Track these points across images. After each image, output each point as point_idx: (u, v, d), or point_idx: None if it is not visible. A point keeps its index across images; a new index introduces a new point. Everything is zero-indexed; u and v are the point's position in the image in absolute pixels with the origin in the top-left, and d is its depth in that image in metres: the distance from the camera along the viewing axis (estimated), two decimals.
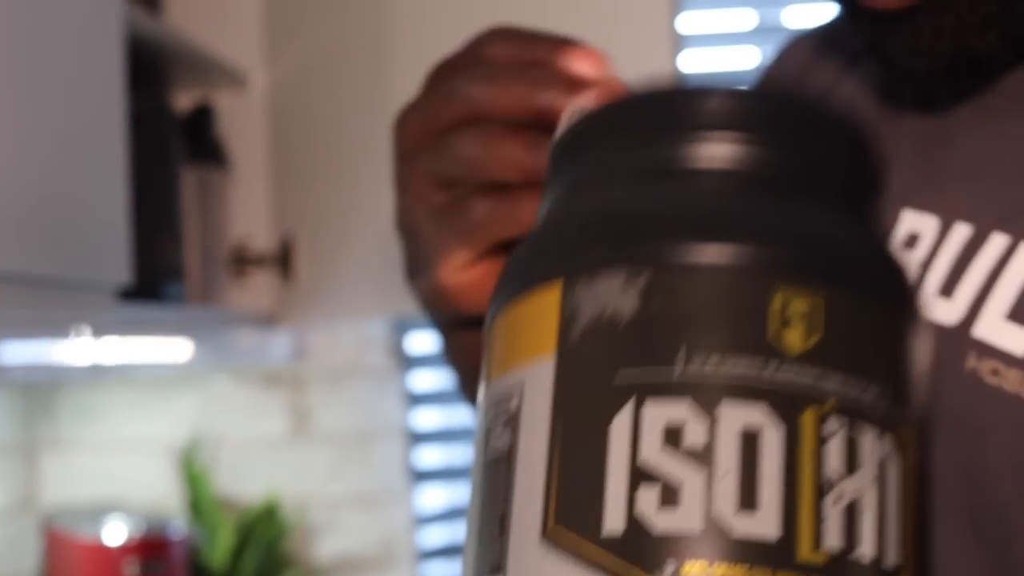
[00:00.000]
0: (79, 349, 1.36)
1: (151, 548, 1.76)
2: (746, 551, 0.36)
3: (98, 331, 1.32)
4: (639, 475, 0.36)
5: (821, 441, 0.37)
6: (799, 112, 0.42)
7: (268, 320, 1.82)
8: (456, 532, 2.07)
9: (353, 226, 1.76)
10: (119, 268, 1.25)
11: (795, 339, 0.37)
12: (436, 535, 2.06)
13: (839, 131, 0.42)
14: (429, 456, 2.08)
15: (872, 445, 0.37)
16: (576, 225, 0.40)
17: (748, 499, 0.36)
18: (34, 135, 1.10)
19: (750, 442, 0.36)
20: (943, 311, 0.57)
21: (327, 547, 2.02)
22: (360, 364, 2.02)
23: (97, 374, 2.03)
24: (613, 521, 0.36)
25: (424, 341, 2.06)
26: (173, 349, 1.65)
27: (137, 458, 2.04)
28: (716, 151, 0.40)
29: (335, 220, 1.78)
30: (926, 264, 0.58)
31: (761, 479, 0.36)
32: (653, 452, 0.36)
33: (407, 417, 2.04)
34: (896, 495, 0.38)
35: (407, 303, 1.76)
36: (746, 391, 0.37)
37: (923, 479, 0.39)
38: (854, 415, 0.37)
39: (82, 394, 2.05)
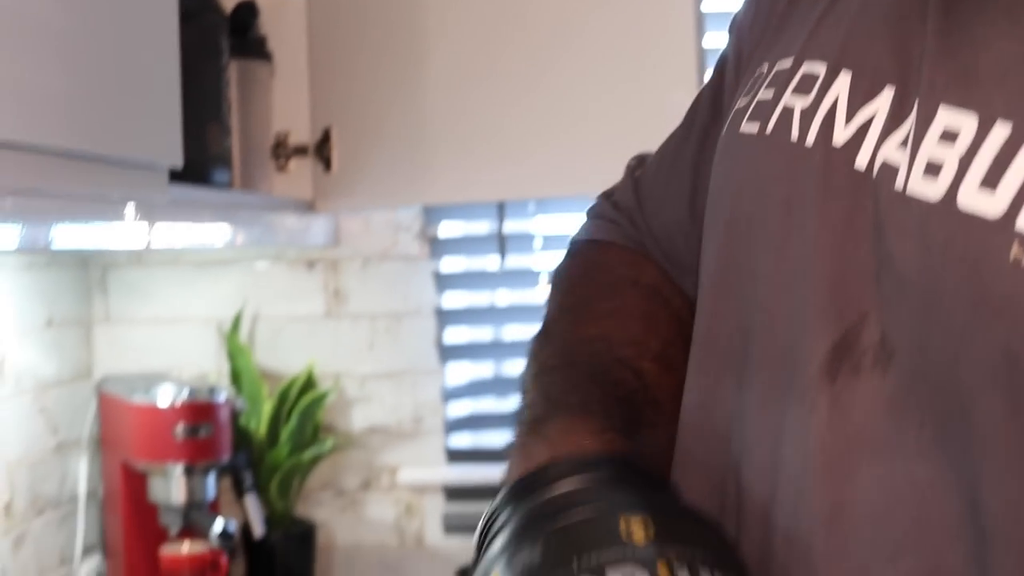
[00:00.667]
0: (131, 229, 1.42)
1: (198, 412, 1.88)
2: None
3: (150, 212, 1.42)
4: None
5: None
6: None
7: (307, 206, 1.93)
8: (479, 405, 2.20)
9: (388, 118, 1.87)
10: (172, 151, 1.36)
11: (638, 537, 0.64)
12: (462, 407, 2.18)
13: None
14: (456, 334, 2.20)
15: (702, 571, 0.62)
16: None
17: None
18: (94, 24, 1.20)
19: None
20: (986, 204, 0.58)
21: (360, 418, 2.14)
22: (393, 248, 2.14)
23: (147, 253, 2.17)
24: None
25: (452, 226, 2.18)
26: (218, 231, 1.74)
27: (184, 333, 2.17)
28: None
29: (371, 112, 1.88)
30: (966, 159, 0.60)
31: None
32: None
33: (437, 298, 2.16)
34: None
35: (437, 193, 1.88)
36: (618, 563, 0.62)
37: None
38: (689, 561, 0.62)
39: (133, 273, 2.17)
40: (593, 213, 0.96)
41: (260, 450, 2.05)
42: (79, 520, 2.01)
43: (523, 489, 0.72)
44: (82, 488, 2.02)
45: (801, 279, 0.69)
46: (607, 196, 0.95)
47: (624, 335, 0.84)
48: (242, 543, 2.03)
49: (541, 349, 0.86)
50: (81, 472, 2.02)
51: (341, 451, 2.13)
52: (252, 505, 1.97)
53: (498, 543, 0.69)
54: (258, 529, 1.97)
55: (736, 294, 0.75)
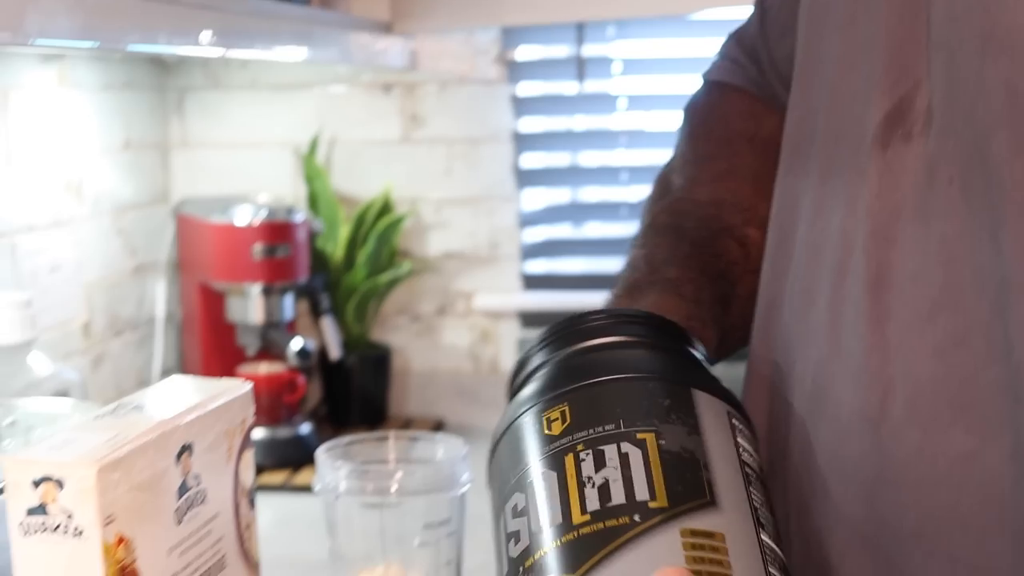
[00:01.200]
0: (209, 48, 1.42)
1: (276, 231, 1.87)
2: (546, 537, 0.64)
3: (227, 31, 1.41)
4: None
5: (578, 465, 0.66)
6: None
7: (384, 28, 1.90)
8: (555, 231, 2.18)
9: None
10: None
11: (556, 428, 0.69)
12: (538, 233, 2.17)
13: None
14: (533, 159, 2.18)
15: (612, 451, 0.66)
16: None
17: (544, 516, 0.65)
18: None
19: (542, 489, 0.67)
20: None
21: (437, 243, 2.14)
22: (470, 72, 2.10)
23: (224, 76, 2.15)
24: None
25: (530, 50, 2.14)
26: (295, 48, 1.72)
27: (260, 157, 2.16)
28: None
29: None
30: None
31: (548, 502, 0.66)
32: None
33: (514, 122, 2.13)
34: (641, 465, 0.65)
35: (516, 14, 1.84)
36: (535, 469, 0.68)
37: (666, 452, 0.66)
38: (593, 444, 0.67)
39: (210, 96, 2.16)
40: (720, 53, 0.97)
41: (337, 273, 2.05)
42: (157, 341, 2.03)
43: (555, 335, 0.76)
44: (160, 310, 2.04)
45: (865, 55, 0.70)
46: (733, 34, 0.97)
47: (734, 200, 0.89)
48: (318, 366, 2.05)
49: (659, 199, 0.92)
50: (159, 294, 2.04)
51: (417, 276, 2.12)
52: (329, 327, 1.98)
53: (524, 391, 0.74)
54: (334, 351, 1.98)
55: (810, 83, 0.77)
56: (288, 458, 1.84)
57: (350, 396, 2.03)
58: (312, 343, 1.92)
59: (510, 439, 0.72)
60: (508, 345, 2.14)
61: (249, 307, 1.90)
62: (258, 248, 1.87)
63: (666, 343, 0.76)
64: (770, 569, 0.64)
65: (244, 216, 1.88)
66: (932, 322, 0.64)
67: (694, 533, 0.63)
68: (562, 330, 0.76)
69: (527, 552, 0.66)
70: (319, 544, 0.99)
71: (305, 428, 1.91)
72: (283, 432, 1.88)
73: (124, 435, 0.72)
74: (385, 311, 2.14)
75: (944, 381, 0.63)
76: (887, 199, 0.67)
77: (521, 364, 0.78)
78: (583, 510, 0.64)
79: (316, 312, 2.00)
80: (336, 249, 2.05)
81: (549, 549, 0.64)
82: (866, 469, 0.67)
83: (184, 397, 0.80)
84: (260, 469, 1.83)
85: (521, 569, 0.66)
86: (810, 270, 0.73)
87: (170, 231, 2.05)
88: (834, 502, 0.69)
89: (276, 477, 1.82)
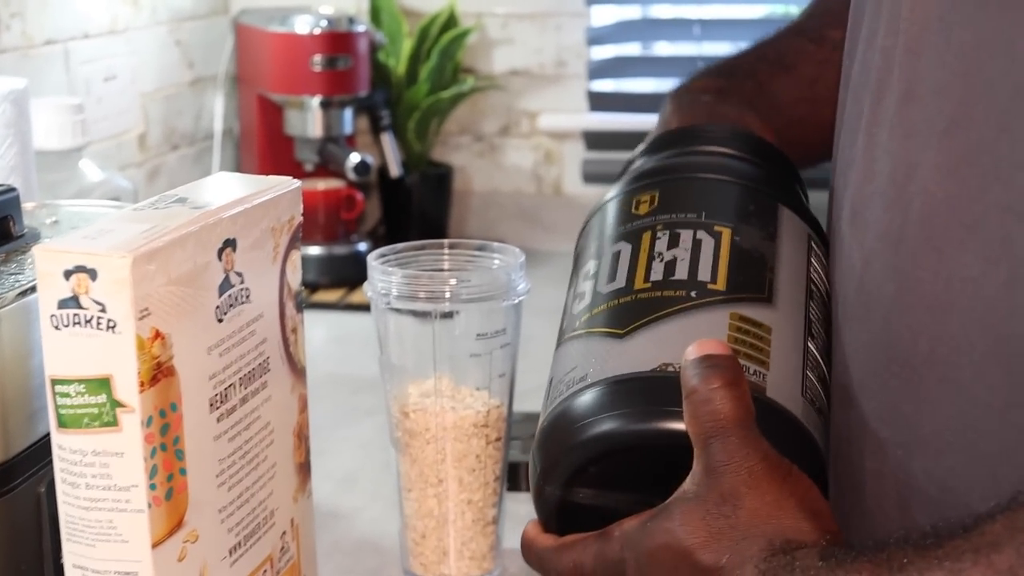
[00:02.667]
0: None
1: (336, 42, 1.82)
2: (607, 297, 0.70)
3: None
4: None
5: (653, 242, 0.71)
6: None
7: None
8: (624, 49, 2.10)
9: None
10: None
11: (643, 208, 0.74)
12: (607, 51, 2.08)
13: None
14: None
15: (687, 236, 0.70)
16: None
17: (610, 278, 0.71)
18: None
19: (616, 257, 0.72)
20: None
21: (501, 59, 2.07)
22: None
23: None
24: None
25: None
26: None
27: None
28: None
29: None
30: None
31: (617, 269, 0.71)
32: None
33: None
34: (710, 253, 0.69)
35: None
36: (614, 240, 0.73)
37: (738, 247, 0.70)
38: (672, 227, 0.71)
39: None
40: None
41: (399, 89, 1.99)
42: (215, 155, 2.00)
43: (661, 140, 0.81)
44: (218, 124, 2.00)
45: None
46: None
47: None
48: (378, 183, 2.01)
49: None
50: (217, 108, 1.99)
51: (481, 93, 2.06)
52: (389, 144, 1.94)
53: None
54: (395, 169, 1.94)
55: None
56: (345, 276, 1.81)
57: (409, 216, 1.99)
58: (371, 158, 1.87)
59: (601, 216, 0.76)
60: (572, 166, 2.08)
61: (308, 120, 1.86)
62: (318, 59, 1.82)
63: (766, 162, 0.79)
64: (807, 372, 0.67)
65: (304, 26, 1.83)
66: (948, 138, 0.63)
67: (743, 319, 0.67)
68: (670, 136, 0.81)
69: (586, 308, 0.70)
70: (372, 362, 0.96)
71: (363, 246, 1.87)
72: (340, 249, 1.85)
73: (163, 226, 0.68)
74: (447, 129, 2.09)
75: (956, 199, 0.63)
76: (918, 11, 0.66)
77: (627, 164, 0.82)
78: (646, 278, 0.69)
79: (376, 128, 1.95)
80: (398, 64, 1.99)
81: (606, 307, 0.69)
82: (887, 292, 0.67)
83: (230, 192, 0.76)
84: (316, 287, 1.81)
85: (578, 323, 0.70)
86: (857, 92, 0.73)
87: (229, 42, 2.00)
88: (860, 327, 0.70)
89: (332, 295, 1.79)
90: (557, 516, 0.68)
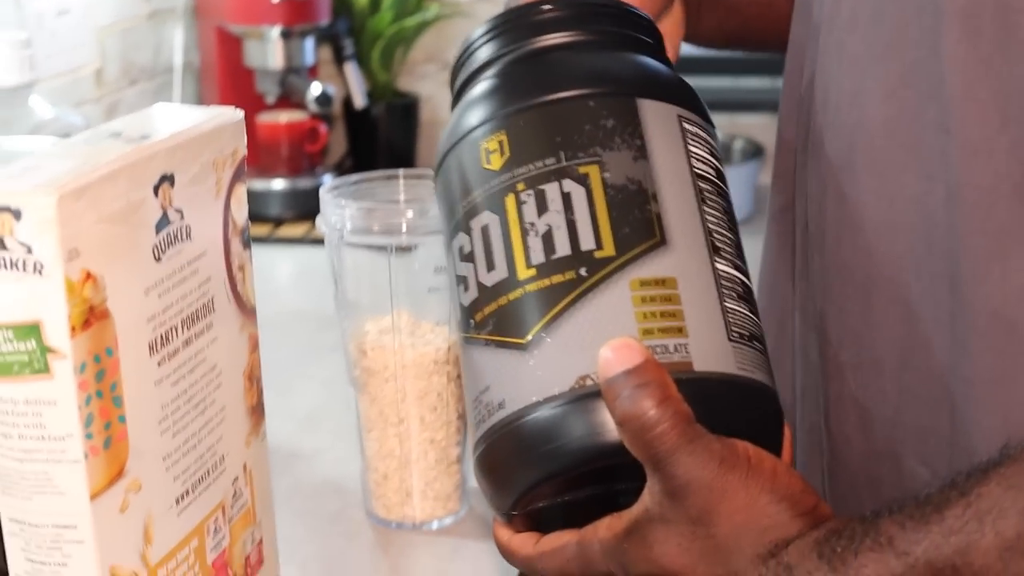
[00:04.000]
0: None
1: None
2: (494, 292, 0.62)
3: None
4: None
5: (520, 209, 0.62)
6: None
7: None
8: None
9: None
10: None
11: (495, 161, 0.65)
12: None
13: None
14: None
15: (554, 191, 0.62)
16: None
17: (490, 266, 0.63)
18: None
19: (486, 234, 0.64)
20: None
21: None
22: None
23: None
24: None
25: None
26: None
27: None
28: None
29: None
30: None
31: (493, 252, 0.63)
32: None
33: None
34: (584, 207, 0.62)
35: None
36: (477, 208, 0.65)
37: (612, 187, 0.62)
38: (534, 183, 0.63)
39: None
40: None
41: (361, 17, 1.95)
42: (175, 89, 1.95)
43: (495, 29, 0.70)
44: (177, 58, 1.95)
45: None
46: None
47: None
48: (343, 115, 1.97)
49: None
50: (176, 41, 1.94)
51: (446, 20, 2.02)
52: (353, 74, 1.89)
53: (463, 100, 0.70)
54: (359, 99, 1.90)
55: None
56: (310, 210, 1.77)
57: (376, 147, 1.96)
58: (334, 89, 1.83)
59: (451, 167, 0.68)
60: None
61: (268, 51, 1.81)
62: None
63: (608, 35, 0.69)
64: (726, 303, 0.62)
65: None
66: (885, 63, 0.65)
67: (643, 283, 0.60)
68: (503, 24, 0.70)
69: (475, 305, 0.64)
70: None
71: (327, 179, 1.84)
72: (304, 183, 1.82)
73: (93, 161, 0.64)
74: (413, 58, 2.04)
75: (895, 122, 0.64)
76: None
77: (461, 59, 0.72)
78: (528, 262, 0.62)
79: (339, 58, 1.91)
80: None
81: (496, 307, 0.63)
82: (838, 217, 0.68)
83: (168, 124, 0.72)
84: (280, 221, 1.78)
85: (472, 322, 0.64)
86: (817, 27, 0.72)
87: None
88: (819, 254, 0.71)
89: (297, 229, 1.76)
90: (522, 521, 0.65)
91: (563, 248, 0.61)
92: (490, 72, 0.69)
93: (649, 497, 0.59)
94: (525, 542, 0.66)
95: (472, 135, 0.66)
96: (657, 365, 0.58)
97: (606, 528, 0.61)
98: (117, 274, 0.64)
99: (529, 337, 0.61)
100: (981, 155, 0.60)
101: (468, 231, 0.65)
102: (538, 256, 0.62)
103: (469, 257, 0.65)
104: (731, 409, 0.59)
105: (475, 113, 0.67)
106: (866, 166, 0.66)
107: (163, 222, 0.68)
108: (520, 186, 0.63)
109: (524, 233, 0.62)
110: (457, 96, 0.71)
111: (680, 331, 0.60)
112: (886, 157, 0.65)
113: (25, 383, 0.62)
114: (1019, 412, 0.61)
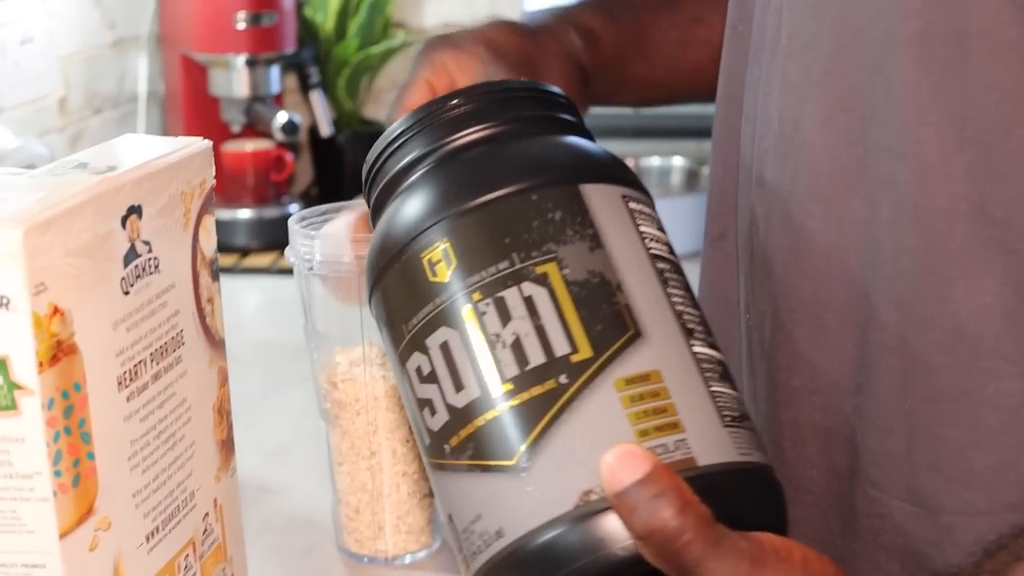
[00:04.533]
0: None
1: (261, 1, 1.78)
2: (467, 413, 0.57)
3: None
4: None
5: (481, 320, 0.58)
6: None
7: None
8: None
9: None
10: None
11: (441, 273, 0.60)
12: (541, 2, 2.04)
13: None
14: None
15: (514, 297, 0.58)
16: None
17: (458, 386, 0.58)
18: None
19: (447, 351, 0.59)
20: None
21: (432, 13, 2.02)
22: None
23: None
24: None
25: None
26: None
27: None
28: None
29: None
30: None
31: (459, 370, 0.58)
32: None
33: None
34: (550, 309, 0.57)
35: None
36: (431, 325, 0.59)
37: (574, 284, 0.58)
38: (491, 290, 0.58)
39: None
40: None
41: (327, 45, 1.94)
42: (139, 118, 1.93)
43: (411, 128, 0.65)
44: (142, 86, 1.94)
45: None
46: None
47: None
48: (309, 143, 1.96)
49: None
50: (140, 69, 1.93)
51: (412, 48, 2.01)
52: (319, 102, 1.89)
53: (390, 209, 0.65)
54: (325, 128, 1.89)
55: None
56: (276, 239, 1.77)
57: (342, 176, 1.95)
58: (300, 118, 1.82)
59: (390, 284, 0.63)
60: None
61: (233, 80, 1.81)
62: (241, 16, 1.77)
63: (533, 121, 0.64)
64: (712, 388, 0.58)
65: None
66: (822, 88, 0.65)
67: (628, 382, 0.56)
68: (418, 122, 0.65)
69: (448, 429, 0.59)
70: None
71: (294, 208, 1.83)
72: (270, 212, 1.81)
73: (59, 194, 0.63)
74: (378, 86, 2.04)
75: (836, 147, 0.65)
76: None
77: (374, 168, 0.68)
78: (501, 377, 0.57)
79: (305, 87, 1.90)
80: (326, 19, 1.94)
81: (475, 430, 0.58)
82: (783, 244, 0.68)
83: (135, 155, 0.71)
84: (246, 251, 1.76)
85: (446, 448, 0.59)
86: (757, 55, 0.73)
87: (151, 1, 1.93)
88: (763, 284, 0.71)
89: (263, 259, 1.75)
90: None
91: (536, 356, 0.57)
92: (413, 177, 0.64)
93: None
94: None
95: (410, 248, 0.61)
96: (668, 470, 0.54)
97: None
98: (85, 308, 0.63)
99: (517, 459, 0.56)
100: (938, 177, 0.61)
101: (425, 350, 0.60)
102: (511, 369, 0.57)
103: (431, 378, 0.60)
104: (740, 499, 0.56)
105: (407, 224, 0.62)
106: (811, 191, 0.66)
107: (131, 254, 0.67)
108: (476, 296, 0.59)
109: (491, 345, 0.58)
110: (377, 207, 0.67)
111: (676, 427, 0.56)
112: (830, 182, 0.65)
113: None
114: (990, 421, 0.61)
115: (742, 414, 0.59)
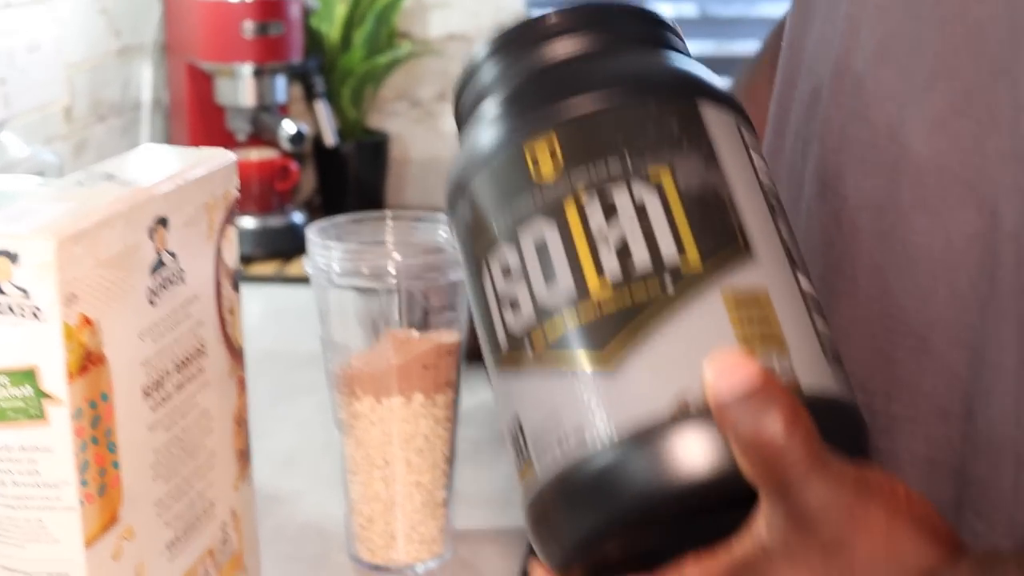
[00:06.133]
0: None
1: (268, 8, 1.76)
2: (558, 311, 0.55)
3: None
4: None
5: (583, 216, 0.55)
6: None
7: None
8: None
9: None
10: None
11: (545, 165, 0.57)
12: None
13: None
14: None
15: (623, 197, 0.55)
16: None
17: (551, 282, 0.55)
18: None
19: (542, 246, 0.56)
20: None
21: (438, 23, 2.03)
22: None
23: None
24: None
25: None
26: None
27: None
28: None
29: None
30: None
31: (554, 265, 0.55)
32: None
33: None
34: (660, 213, 0.55)
35: None
36: (527, 220, 0.57)
37: (687, 193, 0.55)
38: (598, 187, 0.55)
39: None
40: None
41: (332, 55, 1.95)
42: (143, 127, 1.94)
43: (513, 38, 0.62)
44: (146, 94, 1.94)
45: None
46: None
47: None
48: (313, 153, 1.96)
49: None
50: (145, 78, 1.93)
51: (417, 59, 2.02)
52: (323, 112, 1.89)
53: (485, 111, 0.62)
54: (330, 137, 1.89)
55: None
56: (280, 248, 1.77)
57: (346, 185, 1.95)
58: (306, 127, 1.83)
59: (480, 185, 0.59)
60: None
61: (239, 89, 1.81)
62: (249, 25, 1.76)
63: (653, 37, 0.63)
64: (815, 321, 0.56)
65: None
66: (931, 93, 0.60)
67: (736, 298, 0.53)
68: (522, 33, 0.62)
69: (533, 325, 0.56)
70: (310, 336, 0.92)
71: (298, 217, 1.83)
72: (275, 221, 1.81)
73: (90, 205, 0.64)
74: (383, 96, 2.04)
75: (947, 155, 0.59)
76: None
77: (470, 74, 0.64)
78: (600, 273, 0.54)
79: (310, 96, 1.91)
80: (332, 29, 1.95)
81: (566, 325, 0.54)
82: (879, 261, 0.63)
83: (160, 167, 0.72)
84: (250, 259, 1.76)
85: (531, 347, 0.56)
86: (813, 67, 0.69)
87: (157, 9, 1.93)
88: (842, 301, 0.65)
89: (267, 268, 1.75)
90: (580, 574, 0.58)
91: (641, 258, 0.54)
92: (517, 75, 0.61)
93: (767, 530, 0.52)
94: None
95: (512, 144, 0.58)
96: (777, 380, 0.51)
97: (699, 568, 0.55)
98: (113, 318, 0.64)
99: (610, 360, 0.53)
100: None
101: (516, 245, 0.57)
102: (612, 268, 0.54)
103: (518, 274, 0.57)
104: (839, 433, 0.53)
105: (511, 121, 0.59)
106: (914, 204, 0.61)
107: (158, 265, 0.68)
108: (581, 191, 0.56)
109: (592, 243, 0.55)
110: (467, 116, 0.64)
111: (781, 347, 0.53)
112: (939, 194, 0.60)
113: (20, 429, 0.61)
114: None
115: (838, 356, 0.57)
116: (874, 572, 0.51)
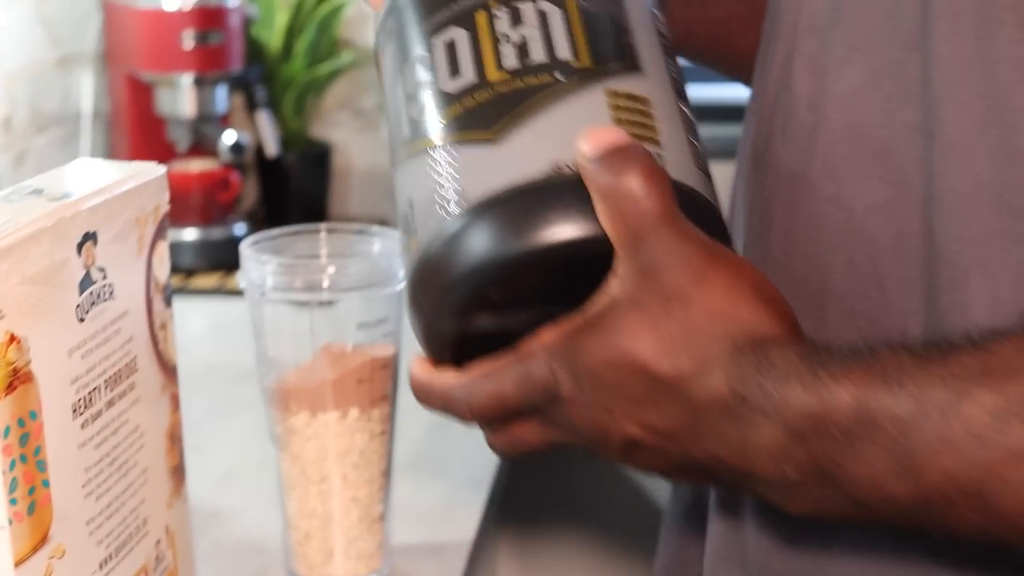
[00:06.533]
0: None
1: (208, 17, 1.75)
2: (458, 96, 0.60)
3: None
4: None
5: (491, 22, 0.60)
6: None
7: None
8: None
9: None
10: None
11: None
12: None
13: None
14: None
15: (528, 9, 0.61)
16: None
17: (455, 75, 0.60)
18: None
19: (451, 48, 0.61)
20: None
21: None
22: None
23: None
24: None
25: None
26: None
27: None
28: None
29: None
30: None
31: (459, 60, 0.60)
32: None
33: None
34: (560, 24, 0.60)
35: None
36: (440, 27, 0.62)
37: (587, 12, 0.61)
38: (508, 1, 0.61)
39: None
40: None
41: (274, 64, 1.94)
42: (83, 138, 1.92)
43: None
44: (87, 105, 1.92)
45: None
46: None
47: None
48: (255, 163, 1.95)
49: None
50: (85, 88, 1.92)
51: (360, 68, 2.01)
52: (265, 122, 1.88)
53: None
54: (271, 148, 1.88)
55: None
56: (222, 260, 1.76)
57: (288, 196, 1.94)
58: (247, 138, 1.82)
59: (400, 14, 0.64)
60: None
61: (179, 99, 1.79)
62: (188, 35, 1.75)
63: None
64: (690, 138, 0.61)
65: (174, 1, 1.76)
66: (848, 66, 0.62)
67: (618, 95, 0.59)
68: None
69: (431, 112, 0.61)
70: (251, 350, 0.92)
71: (240, 229, 1.82)
72: (216, 233, 1.80)
73: (15, 221, 0.63)
74: (325, 105, 2.03)
75: (859, 127, 0.61)
76: None
77: None
78: (499, 65, 0.60)
79: (251, 106, 1.90)
80: (273, 38, 1.94)
81: (460, 107, 0.60)
82: (787, 227, 0.65)
83: (91, 181, 0.71)
84: (191, 272, 1.75)
85: (425, 132, 0.61)
86: (769, 27, 0.71)
87: (96, 19, 1.92)
88: (762, 266, 0.65)
89: (208, 280, 1.74)
90: (451, 351, 0.61)
91: (538, 55, 0.60)
92: None
93: (618, 283, 0.56)
94: (449, 374, 0.61)
95: None
96: (643, 148, 0.56)
97: (554, 332, 0.58)
98: (40, 335, 0.63)
99: (498, 130, 0.58)
100: (962, 160, 0.57)
101: (428, 49, 0.62)
102: (511, 61, 0.60)
103: (429, 71, 0.62)
104: (700, 223, 0.57)
105: None
106: (823, 174, 0.63)
107: (86, 281, 0.67)
108: (492, 3, 0.61)
109: (496, 42, 0.60)
110: None
111: (656, 142, 0.59)
112: (847, 163, 0.62)
113: None
114: None
115: (709, 172, 0.61)
116: (711, 327, 0.54)
